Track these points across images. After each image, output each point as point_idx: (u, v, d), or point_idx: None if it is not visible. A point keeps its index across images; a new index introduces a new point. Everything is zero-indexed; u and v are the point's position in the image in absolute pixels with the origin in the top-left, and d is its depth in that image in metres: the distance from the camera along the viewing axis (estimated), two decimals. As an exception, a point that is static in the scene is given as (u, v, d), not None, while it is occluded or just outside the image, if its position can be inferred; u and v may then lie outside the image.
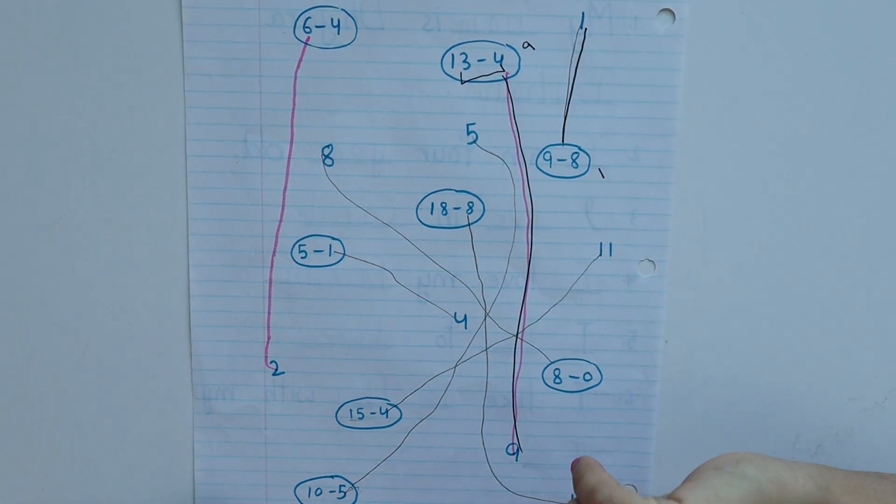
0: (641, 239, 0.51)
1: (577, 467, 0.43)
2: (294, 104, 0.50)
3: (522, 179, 0.51)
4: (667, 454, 0.54)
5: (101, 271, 0.51)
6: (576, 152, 0.50)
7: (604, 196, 0.51)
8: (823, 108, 0.50)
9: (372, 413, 0.53)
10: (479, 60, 0.49)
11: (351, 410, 0.53)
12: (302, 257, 0.52)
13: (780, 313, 0.52)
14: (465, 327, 0.52)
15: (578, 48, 0.49)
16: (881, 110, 0.50)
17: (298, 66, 0.50)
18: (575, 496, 0.43)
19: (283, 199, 0.51)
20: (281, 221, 0.51)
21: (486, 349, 0.53)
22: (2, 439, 0.53)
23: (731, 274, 0.52)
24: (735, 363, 0.53)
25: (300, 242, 0.51)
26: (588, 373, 0.53)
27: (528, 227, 0.51)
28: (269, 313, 0.52)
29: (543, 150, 0.50)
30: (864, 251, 0.52)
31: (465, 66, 0.50)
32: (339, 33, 0.49)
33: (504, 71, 0.50)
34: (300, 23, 0.49)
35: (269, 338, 0.52)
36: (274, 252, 0.51)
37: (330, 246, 0.51)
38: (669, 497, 0.41)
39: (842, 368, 0.53)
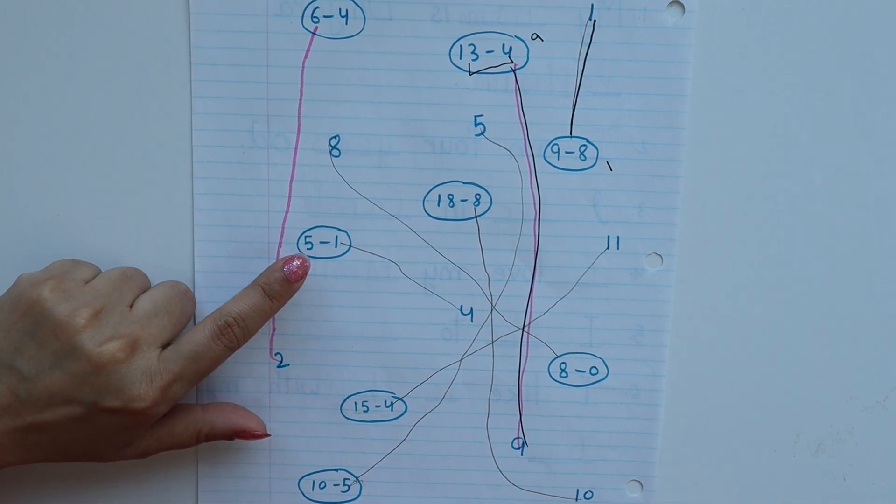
0: (649, 232, 0.51)
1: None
2: (301, 94, 0.50)
3: (530, 172, 0.51)
4: (671, 449, 0.54)
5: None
6: (584, 145, 0.50)
7: (612, 189, 0.51)
8: (833, 102, 0.50)
9: (377, 406, 0.53)
10: (488, 52, 0.49)
11: (356, 403, 0.53)
12: (308, 248, 0.51)
13: (784, 309, 0.52)
14: (472, 320, 0.52)
15: (587, 40, 0.49)
16: (893, 107, 0.50)
17: (306, 57, 0.49)
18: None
19: (290, 189, 0.51)
20: (287, 212, 0.51)
21: (493, 342, 0.52)
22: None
23: (734, 269, 0.52)
24: (737, 359, 0.53)
25: (306, 234, 0.51)
26: (594, 367, 0.53)
27: (535, 220, 0.51)
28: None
29: (551, 143, 0.50)
30: (868, 249, 0.52)
31: (474, 57, 0.49)
32: (346, 23, 0.49)
33: (512, 62, 0.49)
34: (308, 12, 0.49)
35: (273, 330, 0.52)
36: (280, 243, 0.51)
37: (336, 237, 0.51)
38: None
39: (843, 366, 0.53)
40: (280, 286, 0.49)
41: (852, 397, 0.53)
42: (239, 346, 0.49)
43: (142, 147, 0.50)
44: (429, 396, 0.53)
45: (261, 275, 0.49)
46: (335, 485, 0.54)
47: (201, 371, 0.48)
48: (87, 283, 0.47)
